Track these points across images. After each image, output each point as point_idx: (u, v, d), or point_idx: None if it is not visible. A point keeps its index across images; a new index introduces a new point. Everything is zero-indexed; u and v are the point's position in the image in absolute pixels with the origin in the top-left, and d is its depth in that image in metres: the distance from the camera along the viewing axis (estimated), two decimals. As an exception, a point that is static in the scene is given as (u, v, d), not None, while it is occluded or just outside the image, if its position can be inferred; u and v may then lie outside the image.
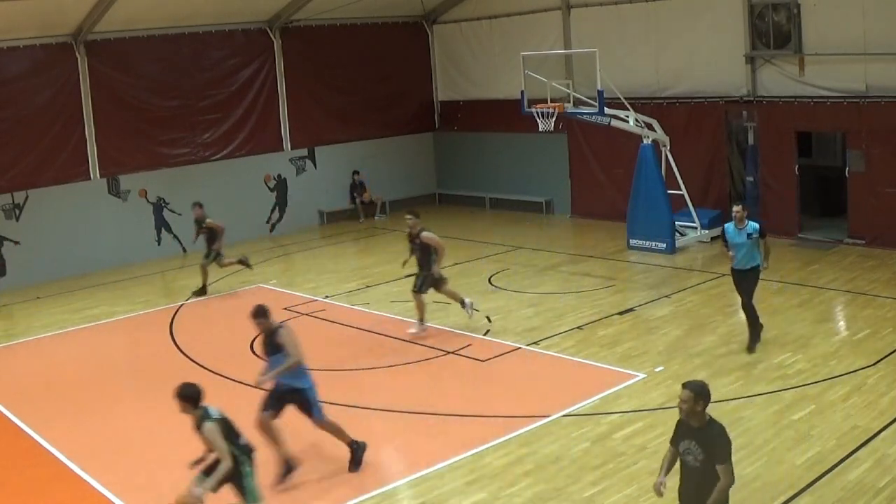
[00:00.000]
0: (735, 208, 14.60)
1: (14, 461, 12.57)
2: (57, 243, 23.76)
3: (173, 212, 25.68)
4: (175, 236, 25.71)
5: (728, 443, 7.89)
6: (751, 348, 14.68)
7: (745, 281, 14.68)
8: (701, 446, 7.85)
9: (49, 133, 23.77)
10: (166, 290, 21.73)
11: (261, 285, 21.56)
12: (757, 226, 14.47)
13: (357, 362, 15.72)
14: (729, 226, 14.69)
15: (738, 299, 14.98)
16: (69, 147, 24.18)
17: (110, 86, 24.71)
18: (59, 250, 23.75)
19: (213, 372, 15.57)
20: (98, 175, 24.62)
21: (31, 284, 22.60)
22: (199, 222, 20.83)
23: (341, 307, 19.24)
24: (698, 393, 7.85)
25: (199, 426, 9.55)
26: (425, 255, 16.71)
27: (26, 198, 23.35)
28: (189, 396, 9.58)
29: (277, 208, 28.06)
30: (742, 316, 15.03)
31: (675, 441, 8.19)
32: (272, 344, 11.34)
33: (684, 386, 7.96)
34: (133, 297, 21.14)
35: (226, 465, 9.41)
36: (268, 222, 27.84)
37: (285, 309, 19.11)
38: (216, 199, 26.24)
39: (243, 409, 13.92)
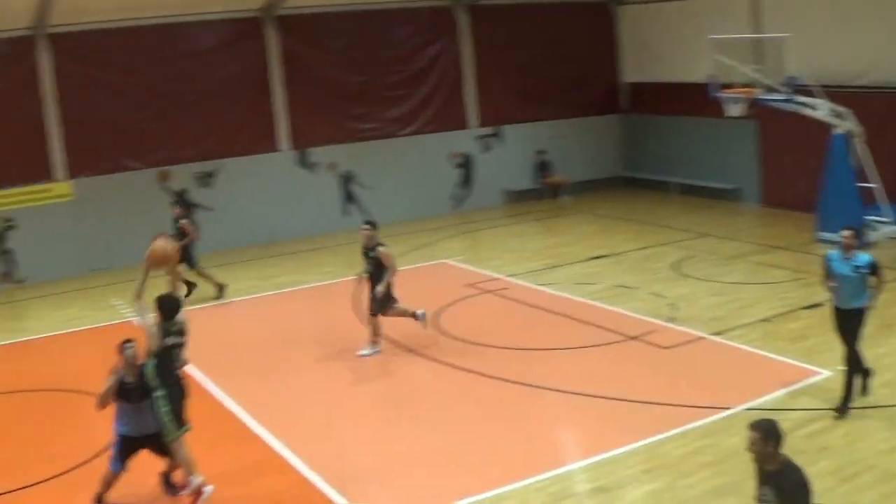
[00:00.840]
0: (844, 233, 12.30)
1: (196, 418, 12.93)
2: (246, 212, 24.67)
3: (361, 185, 26.17)
4: (362, 209, 26.20)
5: (808, 492, 7.02)
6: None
7: (849, 324, 12.39)
8: (777, 493, 7.04)
9: (239, 105, 24.74)
10: (351, 261, 22.08)
11: (445, 261, 21.87)
12: (869, 259, 12.20)
13: (537, 342, 15.79)
14: (833, 253, 12.45)
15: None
16: (259, 119, 25.11)
17: (300, 60, 25.49)
18: (249, 219, 24.66)
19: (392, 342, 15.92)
20: (288, 147, 25.34)
21: (221, 250, 23.29)
22: (176, 220, 19.91)
23: (524, 286, 19.28)
24: (767, 433, 7.10)
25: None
26: (378, 270, 15.56)
27: (218, 167, 24.19)
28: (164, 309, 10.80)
29: (463, 185, 28.25)
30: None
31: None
32: None
33: (751, 427, 7.17)
34: (319, 267, 21.66)
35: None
36: (453, 199, 28.07)
37: (469, 286, 19.28)
38: (403, 174, 26.85)
39: (418, 376, 14.37)
